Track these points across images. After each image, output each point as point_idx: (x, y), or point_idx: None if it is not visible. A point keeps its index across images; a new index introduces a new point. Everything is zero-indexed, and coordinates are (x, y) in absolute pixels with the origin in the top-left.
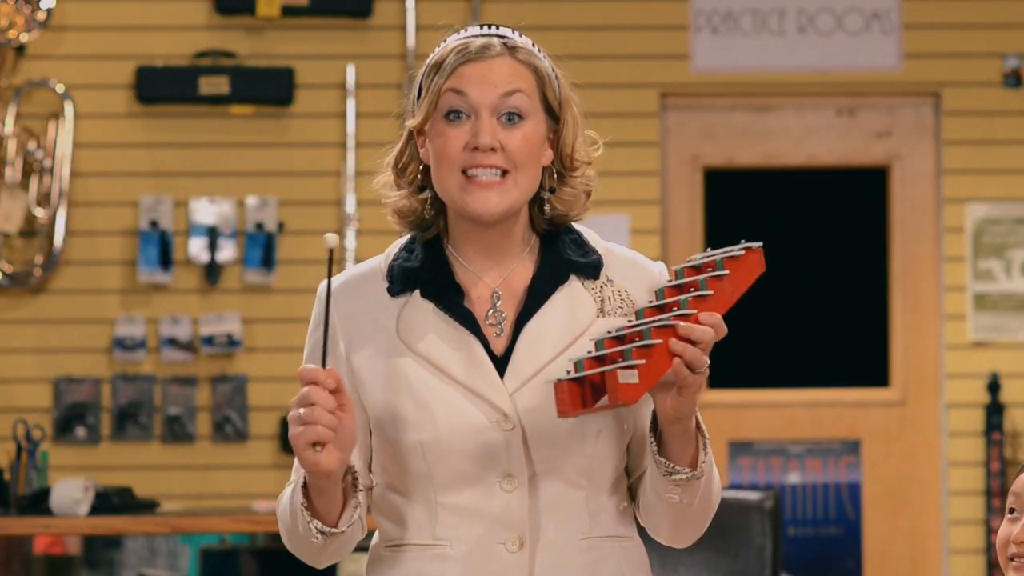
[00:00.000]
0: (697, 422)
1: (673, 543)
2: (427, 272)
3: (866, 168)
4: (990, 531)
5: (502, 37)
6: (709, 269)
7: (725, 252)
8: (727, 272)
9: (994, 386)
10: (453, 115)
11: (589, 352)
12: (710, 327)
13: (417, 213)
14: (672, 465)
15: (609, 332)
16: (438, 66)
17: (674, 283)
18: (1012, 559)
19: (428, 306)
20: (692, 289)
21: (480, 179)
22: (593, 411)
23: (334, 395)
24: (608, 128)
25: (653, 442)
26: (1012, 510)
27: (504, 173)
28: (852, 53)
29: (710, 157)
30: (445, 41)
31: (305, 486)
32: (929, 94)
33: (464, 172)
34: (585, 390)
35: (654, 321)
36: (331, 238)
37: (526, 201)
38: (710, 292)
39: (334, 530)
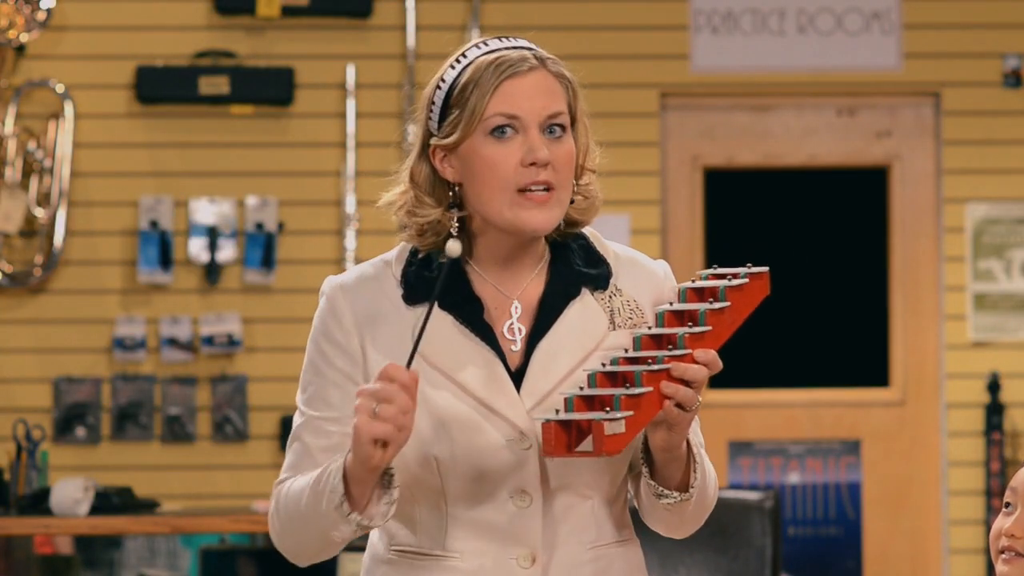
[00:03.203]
0: (689, 446)
1: (670, 536)
2: (447, 283)
3: (866, 168)
4: (990, 531)
5: (529, 48)
6: (710, 297)
7: (730, 278)
8: (727, 304)
9: (994, 386)
10: (498, 132)
11: (581, 388)
12: (704, 365)
13: (445, 230)
14: (662, 489)
15: (604, 365)
16: (474, 83)
17: (676, 308)
18: (1002, 551)
19: (447, 318)
20: (690, 321)
21: (535, 195)
22: (577, 456)
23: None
24: (608, 128)
25: (645, 466)
26: (1008, 504)
27: (549, 188)
28: (852, 53)
29: (710, 157)
30: (464, 58)
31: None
32: (929, 94)
33: (518, 189)
34: (571, 433)
35: (647, 360)
36: (454, 247)
37: None
38: (708, 328)
39: (372, 523)
